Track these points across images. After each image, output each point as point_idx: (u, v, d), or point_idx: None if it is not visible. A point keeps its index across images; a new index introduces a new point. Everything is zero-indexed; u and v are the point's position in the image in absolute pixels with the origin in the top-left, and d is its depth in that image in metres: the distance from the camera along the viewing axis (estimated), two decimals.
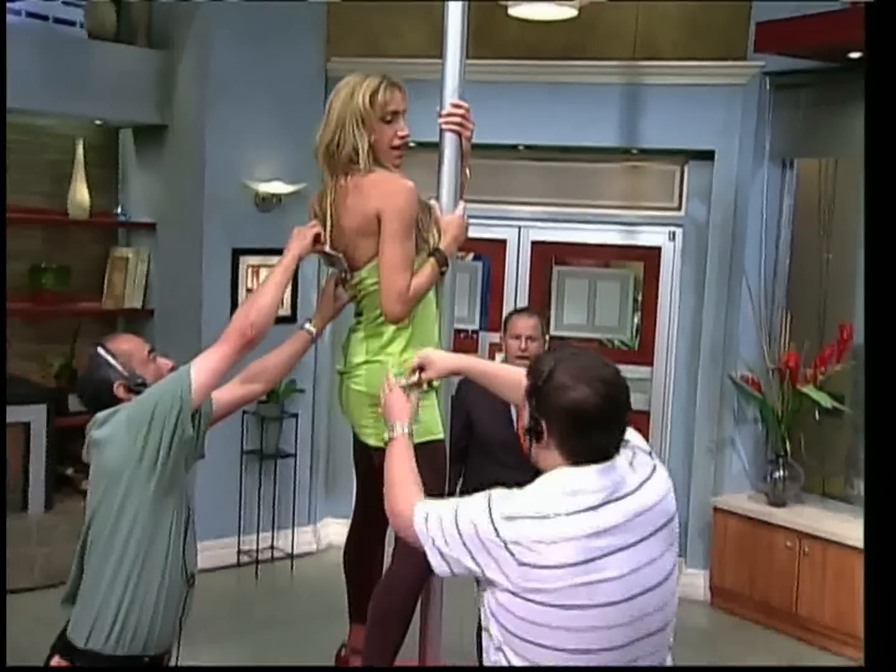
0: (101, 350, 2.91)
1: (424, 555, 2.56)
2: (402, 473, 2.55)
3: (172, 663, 3.04)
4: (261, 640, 5.37)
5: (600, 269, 6.75)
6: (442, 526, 2.29)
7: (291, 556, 6.42)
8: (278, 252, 3.16)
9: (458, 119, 3.11)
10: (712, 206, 6.12)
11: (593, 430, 2.26)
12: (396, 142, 3.11)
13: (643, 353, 6.35)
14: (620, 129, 6.14)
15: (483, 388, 3.50)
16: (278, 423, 6.26)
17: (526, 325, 4.18)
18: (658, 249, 6.31)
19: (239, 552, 6.36)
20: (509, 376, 2.75)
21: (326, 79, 6.32)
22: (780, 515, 5.80)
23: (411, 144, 6.40)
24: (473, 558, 2.24)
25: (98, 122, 6.43)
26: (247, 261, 6.21)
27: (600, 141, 6.19)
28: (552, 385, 2.27)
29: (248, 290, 6.26)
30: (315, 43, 6.32)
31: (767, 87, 5.93)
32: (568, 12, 5.31)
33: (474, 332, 6.68)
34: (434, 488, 3.00)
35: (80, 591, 2.86)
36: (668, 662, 2.36)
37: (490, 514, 2.23)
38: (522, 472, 3.37)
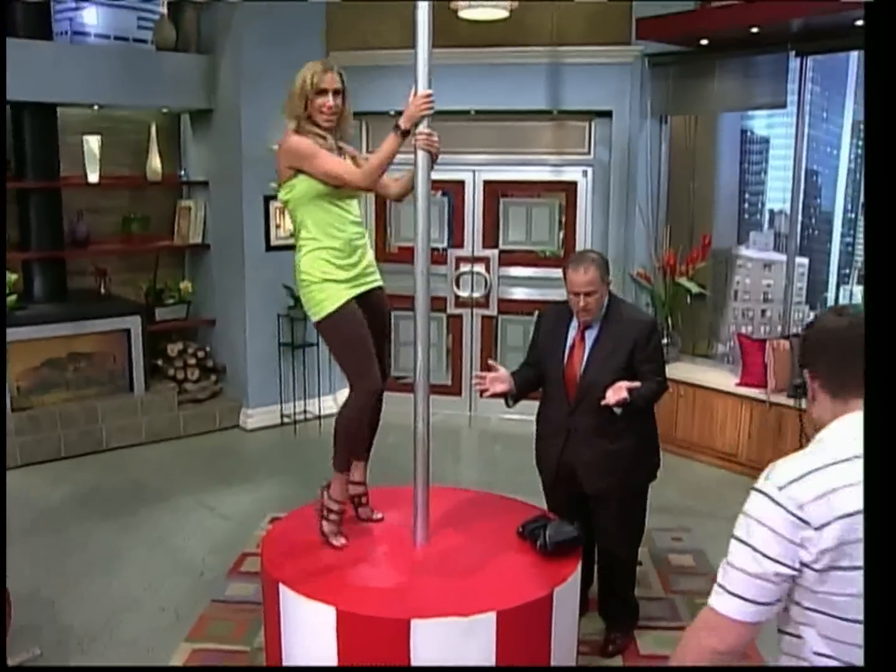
0: None
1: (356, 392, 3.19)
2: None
3: None
4: (301, 476, 5.76)
5: (534, 199, 7.06)
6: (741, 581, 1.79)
7: (319, 417, 6.97)
8: None
9: (426, 140, 3.28)
10: (612, 151, 6.69)
11: (855, 356, 1.79)
12: (324, 109, 3.38)
13: (566, 260, 6.51)
14: (545, 96, 6.63)
15: (555, 317, 3.70)
16: (303, 322, 6.61)
17: (582, 282, 3.53)
18: (575, 184, 6.87)
19: (282, 415, 6.97)
20: None
21: None
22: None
23: (391, 113, 7.34)
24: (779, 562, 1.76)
25: (164, 110, 6.86)
26: (274, 204, 6.60)
27: (531, 105, 6.69)
28: (811, 332, 1.95)
29: (277, 226, 6.67)
30: (318, 42, 6.69)
31: (646, 64, 6.48)
32: (502, 13, 5.84)
33: (444, 249, 7.13)
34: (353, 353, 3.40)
35: None
36: None
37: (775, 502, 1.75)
38: (562, 407, 3.72)
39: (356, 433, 3.54)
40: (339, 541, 3.48)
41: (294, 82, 3.41)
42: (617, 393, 3.46)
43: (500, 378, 3.70)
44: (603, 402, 3.49)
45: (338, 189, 3.40)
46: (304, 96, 3.39)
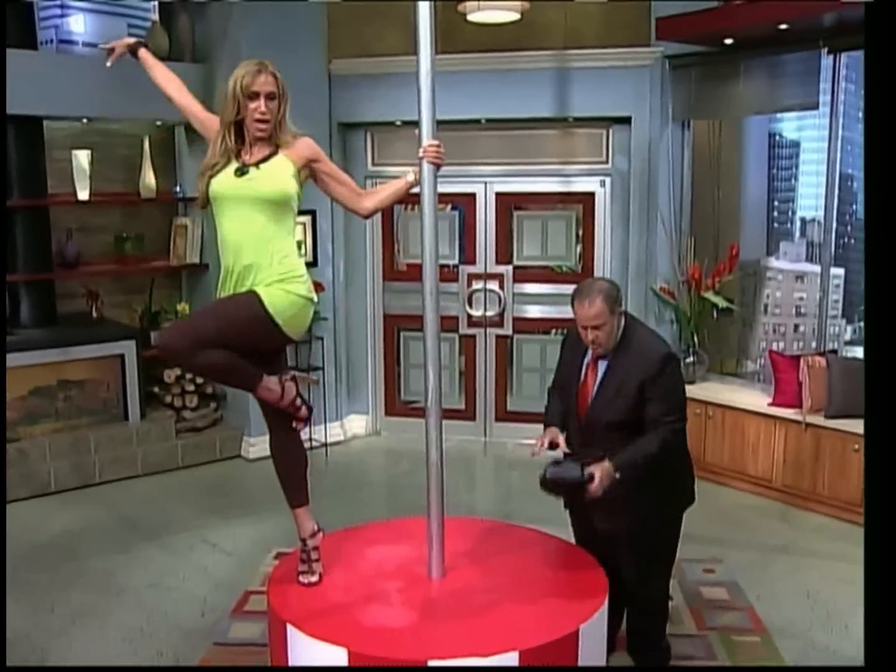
0: None
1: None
2: None
3: None
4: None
5: (549, 211, 7.07)
6: None
7: (325, 445, 6.95)
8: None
9: (434, 153, 3.33)
10: (632, 159, 6.70)
11: None
12: (256, 115, 3.26)
13: (585, 275, 6.74)
14: (560, 102, 6.63)
15: (574, 343, 3.62)
16: (308, 345, 6.87)
17: (587, 315, 3.42)
18: (593, 194, 6.89)
19: None
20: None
21: (329, 76, 6.86)
22: (691, 391, 6.02)
23: (397, 123, 7.31)
24: None
25: (158, 122, 6.80)
26: None
27: (544, 112, 6.70)
28: None
29: None
30: (319, 50, 6.79)
31: (667, 66, 6.47)
32: (512, 16, 5.94)
33: (455, 265, 7.17)
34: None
35: None
36: None
37: None
38: (574, 438, 3.65)
39: None
40: (307, 579, 3.49)
41: (227, 85, 3.32)
42: (600, 484, 3.37)
43: (554, 436, 3.65)
44: (589, 497, 3.41)
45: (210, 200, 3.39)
46: (235, 100, 3.28)
